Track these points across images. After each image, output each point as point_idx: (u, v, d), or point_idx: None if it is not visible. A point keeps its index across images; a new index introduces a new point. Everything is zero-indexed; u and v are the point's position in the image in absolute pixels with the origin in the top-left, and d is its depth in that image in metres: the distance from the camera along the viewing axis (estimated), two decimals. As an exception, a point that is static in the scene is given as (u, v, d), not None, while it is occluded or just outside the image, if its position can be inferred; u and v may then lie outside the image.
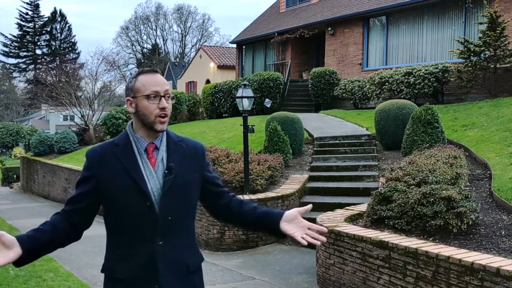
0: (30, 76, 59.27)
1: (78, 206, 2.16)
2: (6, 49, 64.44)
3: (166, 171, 2.11)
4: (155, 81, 2.12)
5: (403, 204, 5.44)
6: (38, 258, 2.14)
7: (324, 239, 2.14)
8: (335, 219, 6.20)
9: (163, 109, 2.10)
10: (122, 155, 2.13)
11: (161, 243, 2.09)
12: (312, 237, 2.12)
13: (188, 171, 2.18)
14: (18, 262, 2.02)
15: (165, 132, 2.19)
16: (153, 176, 2.11)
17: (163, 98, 2.10)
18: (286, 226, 2.16)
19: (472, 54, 12.64)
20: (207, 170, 2.29)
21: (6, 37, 66.15)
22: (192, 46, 64.83)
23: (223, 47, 40.16)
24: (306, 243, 2.10)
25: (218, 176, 2.37)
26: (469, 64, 12.69)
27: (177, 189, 2.13)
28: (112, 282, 2.15)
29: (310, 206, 2.21)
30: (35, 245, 2.06)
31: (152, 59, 61.79)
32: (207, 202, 2.34)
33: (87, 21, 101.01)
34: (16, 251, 1.99)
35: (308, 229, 2.13)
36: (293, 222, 2.15)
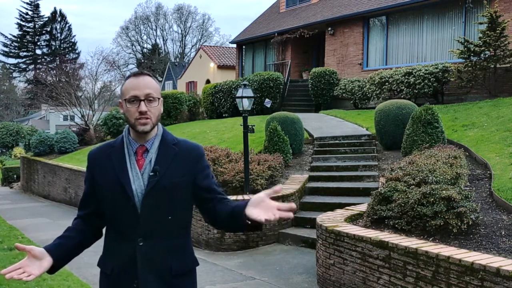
0: (30, 76, 59.29)
1: (90, 210, 2.28)
2: (6, 49, 64.50)
3: (151, 173, 2.14)
4: (136, 85, 2.13)
5: (403, 204, 5.44)
6: (70, 261, 2.27)
7: (291, 215, 1.93)
8: (335, 219, 6.20)
9: (141, 113, 2.11)
10: (114, 156, 2.20)
11: (141, 244, 2.13)
12: (280, 215, 1.92)
13: (177, 174, 2.18)
14: (51, 269, 2.17)
15: (160, 135, 2.22)
16: (138, 178, 2.15)
17: (142, 102, 2.11)
18: (252, 210, 1.98)
19: (472, 54, 12.64)
20: (201, 174, 2.24)
21: (6, 37, 66.32)
22: (192, 46, 64.87)
23: (223, 47, 40.15)
24: (265, 222, 1.91)
25: (214, 182, 2.30)
26: (469, 64, 12.69)
27: (161, 191, 2.14)
28: (102, 276, 2.26)
29: (279, 187, 2.05)
30: (64, 251, 2.21)
31: (152, 59, 61.79)
32: (198, 206, 2.33)
33: (87, 21, 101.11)
34: (48, 261, 2.13)
35: (278, 210, 1.94)
36: (260, 205, 1.97)
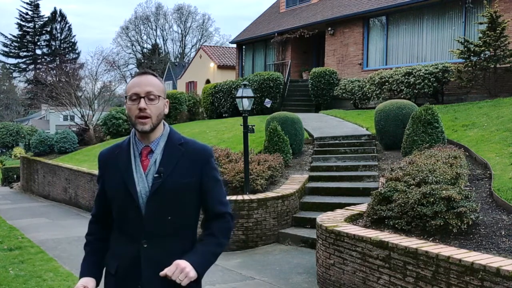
0: (30, 76, 59.28)
1: (102, 209, 2.30)
2: (6, 49, 64.46)
3: (156, 175, 2.13)
4: (138, 83, 2.14)
5: (403, 204, 5.44)
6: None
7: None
8: (335, 219, 6.20)
9: (140, 110, 2.10)
10: (120, 157, 2.20)
11: (146, 245, 2.12)
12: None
13: (183, 175, 2.15)
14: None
15: (166, 135, 2.21)
16: (143, 179, 2.14)
17: (142, 99, 2.11)
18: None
19: (472, 54, 12.64)
20: (206, 176, 2.21)
21: (6, 37, 66.25)
22: (192, 46, 64.87)
23: (223, 47, 40.15)
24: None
25: (220, 192, 2.29)
26: (469, 64, 12.69)
27: (166, 193, 2.12)
28: (107, 275, 2.27)
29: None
30: (100, 266, 2.30)
31: (152, 59, 61.78)
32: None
33: (87, 21, 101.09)
34: (93, 283, 2.26)
35: None
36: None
